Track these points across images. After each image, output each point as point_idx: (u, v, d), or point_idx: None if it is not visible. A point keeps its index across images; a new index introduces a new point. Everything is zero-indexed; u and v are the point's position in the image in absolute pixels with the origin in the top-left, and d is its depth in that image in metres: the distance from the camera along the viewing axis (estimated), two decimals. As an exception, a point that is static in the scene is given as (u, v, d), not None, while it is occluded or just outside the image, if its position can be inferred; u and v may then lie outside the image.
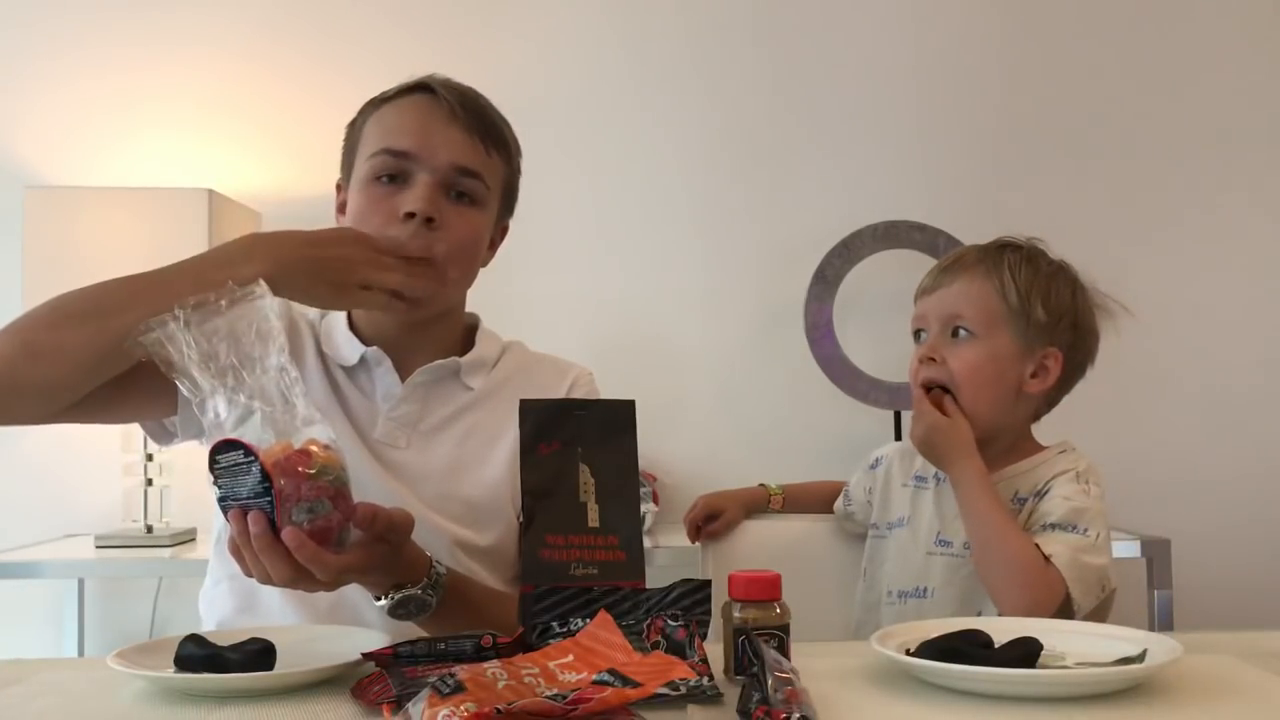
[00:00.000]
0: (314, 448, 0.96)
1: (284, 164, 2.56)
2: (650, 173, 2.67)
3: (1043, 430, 1.42)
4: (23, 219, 2.31)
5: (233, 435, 0.94)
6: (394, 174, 1.22)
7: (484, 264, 1.34)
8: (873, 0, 2.68)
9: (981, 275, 1.35)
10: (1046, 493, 1.29)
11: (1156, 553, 2.11)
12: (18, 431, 2.57)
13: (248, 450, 0.93)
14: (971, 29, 2.69)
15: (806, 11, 2.68)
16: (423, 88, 1.25)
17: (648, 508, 2.39)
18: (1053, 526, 1.25)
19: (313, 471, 0.95)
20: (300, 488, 0.94)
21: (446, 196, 1.22)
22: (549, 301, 2.60)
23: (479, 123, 1.24)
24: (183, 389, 0.96)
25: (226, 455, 0.95)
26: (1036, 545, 1.23)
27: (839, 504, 1.56)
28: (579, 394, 1.35)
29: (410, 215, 1.19)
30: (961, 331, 1.35)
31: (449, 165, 1.22)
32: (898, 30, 2.68)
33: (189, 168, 2.57)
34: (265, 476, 0.93)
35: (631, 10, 2.68)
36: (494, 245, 1.35)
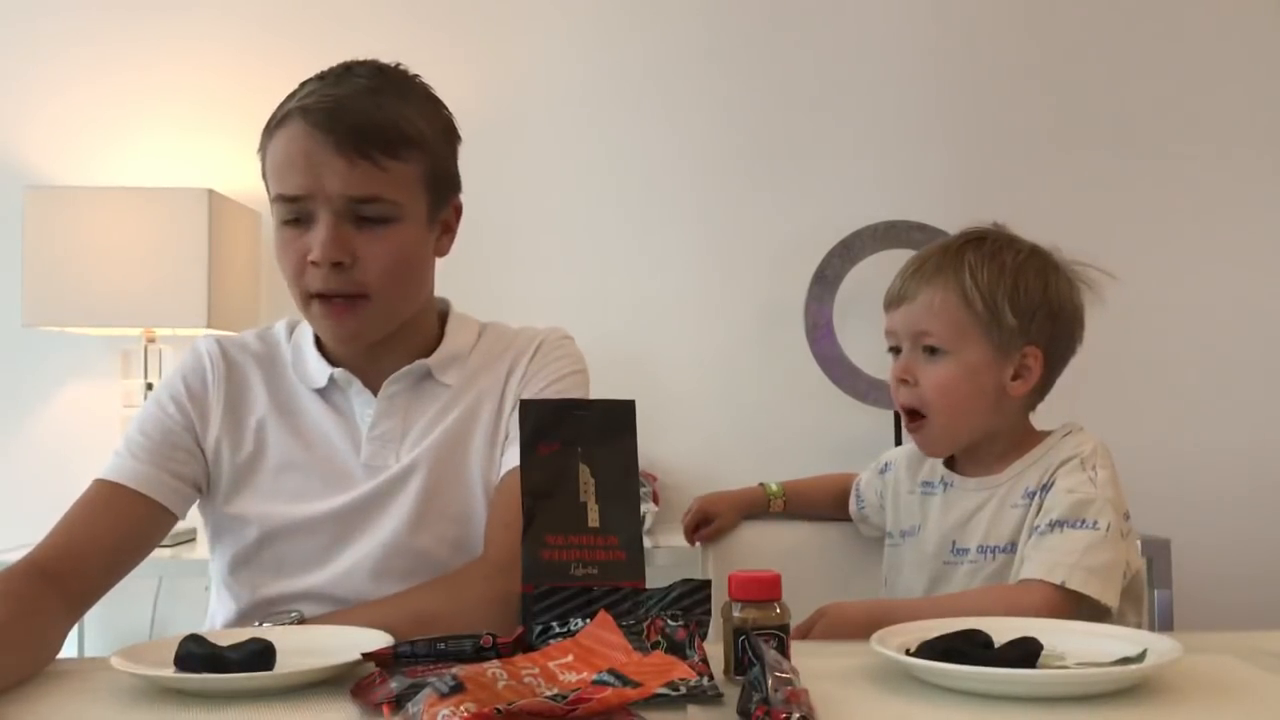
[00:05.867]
0: None
1: (284, 164, 2.56)
2: (651, 172, 2.67)
3: (1044, 423, 1.40)
4: (23, 219, 2.31)
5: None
6: (297, 216, 1.17)
7: (442, 253, 1.28)
8: (875, 1, 2.69)
9: (943, 285, 1.29)
10: (1051, 485, 1.25)
11: (1156, 553, 2.10)
12: (18, 431, 2.57)
13: None
14: (973, 29, 2.69)
15: (808, 12, 2.68)
16: (293, 114, 1.16)
17: (648, 508, 2.39)
18: (1058, 524, 1.21)
19: None
20: None
21: (355, 224, 1.16)
22: (549, 301, 2.60)
23: (360, 139, 1.13)
24: None
25: None
26: (1034, 578, 1.19)
27: (853, 506, 1.54)
28: (545, 353, 1.31)
29: (317, 263, 1.15)
30: (932, 348, 1.31)
31: (341, 198, 1.14)
32: (899, 30, 2.68)
33: (189, 168, 2.58)
34: None
35: (632, 10, 2.68)
36: (450, 229, 1.28)
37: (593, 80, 2.68)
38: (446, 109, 1.25)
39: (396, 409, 1.26)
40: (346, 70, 1.20)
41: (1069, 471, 1.26)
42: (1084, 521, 1.21)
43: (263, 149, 1.21)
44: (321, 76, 1.20)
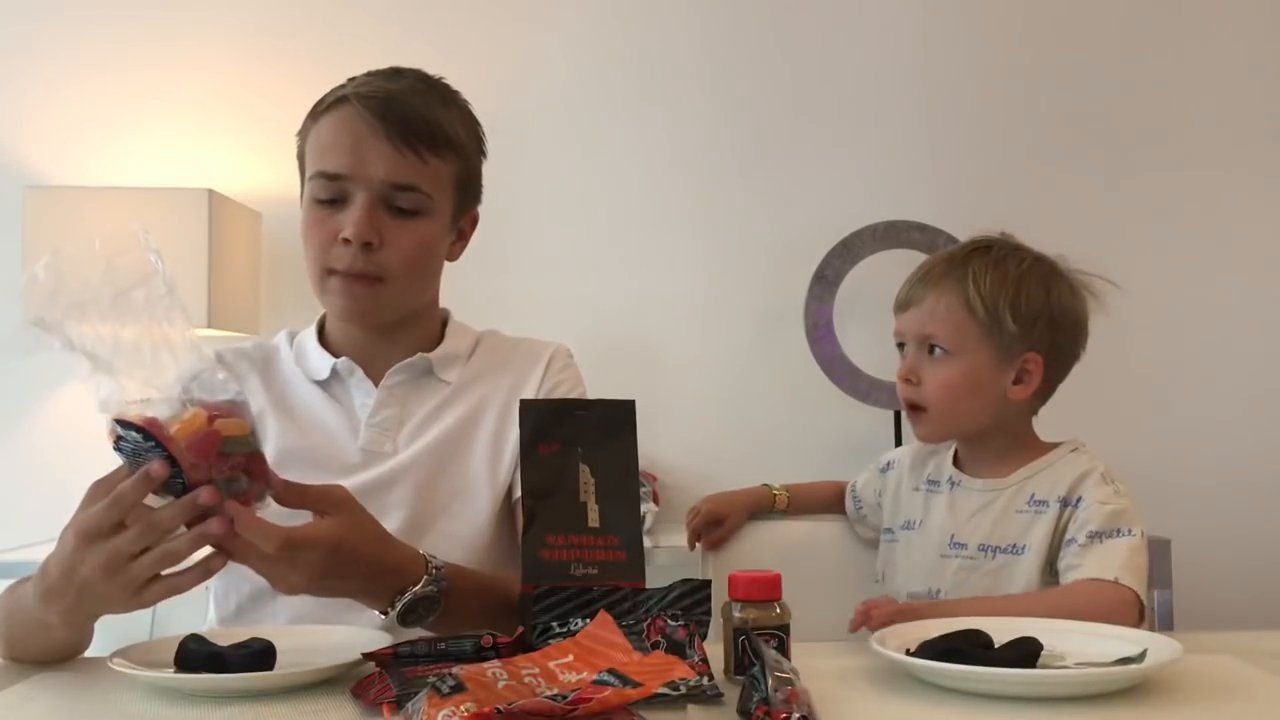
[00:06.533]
0: (220, 420, 0.90)
1: (284, 164, 2.54)
2: (651, 172, 2.67)
3: (1049, 430, 1.41)
4: (23, 219, 2.31)
5: (130, 415, 0.88)
6: (333, 196, 1.21)
7: (453, 258, 1.34)
8: (875, 0, 2.69)
9: (948, 290, 1.34)
10: (1079, 501, 1.28)
11: (1156, 553, 2.09)
12: (18, 431, 2.57)
13: (149, 434, 0.87)
14: (973, 29, 2.69)
15: (809, 12, 2.68)
16: (346, 100, 1.21)
17: (648, 508, 2.39)
18: (1097, 536, 1.24)
19: (224, 450, 0.90)
20: (211, 471, 0.90)
21: (387, 211, 1.21)
22: (549, 302, 2.60)
23: (409, 131, 1.20)
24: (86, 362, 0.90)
25: (128, 433, 0.89)
26: (1091, 579, 1.20)
27: (850, 507, 1.55)
28: (556, 368, 1.36)
29: (348, 241, 1.20)
30: (936, 349, 1.35)
31: (382, 183, 1.20)
32: (899, 30, 2.68)
33: (189, 168, 2.57)
34: (173, 461, 0.88)
35: (632, 10, 2.68)
36: (464, 236, 1.34)
37: (591, 81, 2.68)
38: (480, 126, 1.31)
39: (395, 399, 1.29)
40: (396, 72, 1.26)
41: (1094, 486, 1.29)
42: (1120, 530, 1.25)
43: (305, 132, 1.27)
44: (371, 73, 1.26)
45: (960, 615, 1.05)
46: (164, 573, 0.91)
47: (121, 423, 0.89)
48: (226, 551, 0.93)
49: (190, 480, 0.89)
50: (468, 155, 1.28)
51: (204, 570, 0.92)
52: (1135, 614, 1.19)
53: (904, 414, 1.40)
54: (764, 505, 1.58)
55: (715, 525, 1.56)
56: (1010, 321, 1.32)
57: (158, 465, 0.88)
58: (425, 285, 1.31)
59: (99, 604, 0.94)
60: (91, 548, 0.90)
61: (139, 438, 0.88)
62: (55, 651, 1.05)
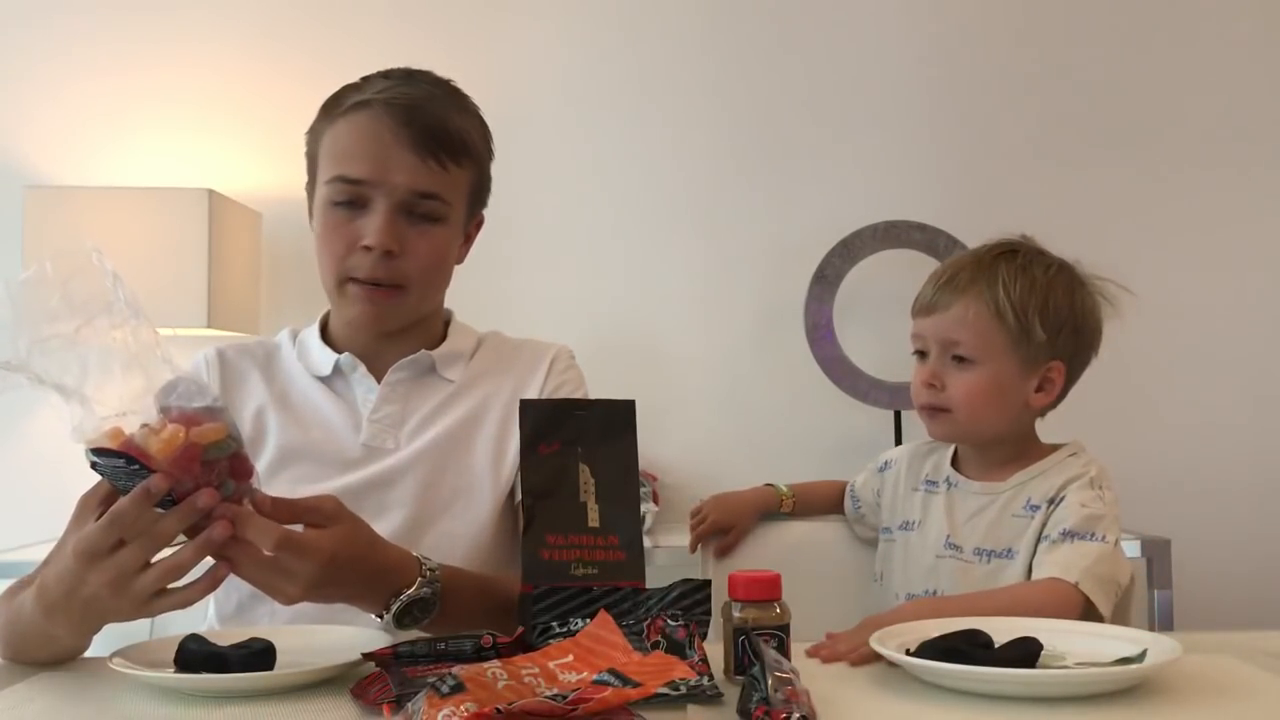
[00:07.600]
0: (195, 430, 0.88)
1: (284, 164, 2.55)
2: (651, 172, 2.67)
3: (1048, 431, 1.41)
4: (23, 219, 2.31)
5: (106, 442, 0.87)
6: (351, 200, 1.21)
7: (459, 261, 1.34)
8: (875, 1, 2.69)
9: (976, 297, 1.32)
10: (1061, 500, 1.28)
11: (1156, 553, 2.11)
12: (18, 431, 2.57)
13: (131, 458, 0.87)
14: (974, 28, 2.69)
15: (809, 11, 2.68)
16: (368, 104, 1.20)
17: (648, 508, 2.39)
18: (1069, 535, 1.24)
19: (206, 459, 0.89)
20: (198, 482, 0.89)
21: (407, 218, 1.21)
22: (549, 301, 2.61)
23: (432, 139, 1.20)
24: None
25: (107, 460, 0.88)
26: (1049, 576, 1.21)
27: (848, 507, 1.55)
28: (559, 369, 1.36)
29: (368, 248, 1.19)
30: (961, 357, 1.33)
31: (405, 190, 1.20)
32: (900, 30, 2.68)
33: (189, 168, 2.58)
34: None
35: (633, 9, 2.68)
36: (470, 239, 1.35)
37: (592, 81, 2.68)
38: (489, 129, 1.31)
39: (398, 395, 1.29)
40: (410, 75, 1.25)
41: (1080, 488, 1.29)
42: (1093, 535, 1.24)
43: (317, 131, 1.25)
44: (386, 75, 1.25)
45: (914, 619, 1.03)
46: (170, 585, 0.91)
47: (99, 451, 0.88)
48: (226, 560, 0.93)
49: (179, 495, 0.89)
50: (482, 162, 1.29)
51: (211, 580, 0.92)
52: (1074, 616, 1.16)
53: (920, 415, 1.38)
54: (771, 507, 1.57)
55: (722, 533, 1.55)
56: (1039, 329, 1.31)
57: (158, 479, 0.88)
58: (439, 291, 1.32)
59: (106, 617, 0.94)
60: (94, 567, 0.89)
61: (121, 462, 0.87)
62: (59, 656, 1.05)
